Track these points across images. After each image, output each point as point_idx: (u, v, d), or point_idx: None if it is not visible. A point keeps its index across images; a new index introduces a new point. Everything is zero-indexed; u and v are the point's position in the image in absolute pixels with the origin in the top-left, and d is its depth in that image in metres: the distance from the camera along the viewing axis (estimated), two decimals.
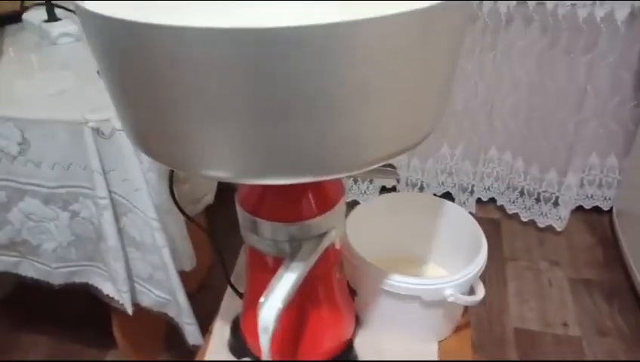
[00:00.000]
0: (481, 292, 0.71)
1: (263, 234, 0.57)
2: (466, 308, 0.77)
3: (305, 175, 0.45)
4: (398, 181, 0.68)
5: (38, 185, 0.79)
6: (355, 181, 1.69)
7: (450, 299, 0.63)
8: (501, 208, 1.70)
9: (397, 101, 0.44)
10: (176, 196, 0.72)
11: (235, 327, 0.71)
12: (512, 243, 1.59)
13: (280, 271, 0.53)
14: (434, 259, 0.81)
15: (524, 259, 1.53)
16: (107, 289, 0.89)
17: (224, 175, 0.45)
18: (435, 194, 1.72)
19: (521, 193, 1.64)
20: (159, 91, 0.40)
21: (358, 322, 0.73)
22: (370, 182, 1.69)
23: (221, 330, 0.73)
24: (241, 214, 0.58)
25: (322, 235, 0.57)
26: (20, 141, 0.75)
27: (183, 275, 0.89)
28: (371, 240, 0.76)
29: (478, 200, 1.71)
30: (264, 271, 0.60)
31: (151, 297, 0.90)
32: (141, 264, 0.85)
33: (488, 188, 1.69)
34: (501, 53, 1.43)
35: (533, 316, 1.35)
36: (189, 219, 0.77)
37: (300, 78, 0.38)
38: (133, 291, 0.90)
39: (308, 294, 0.63)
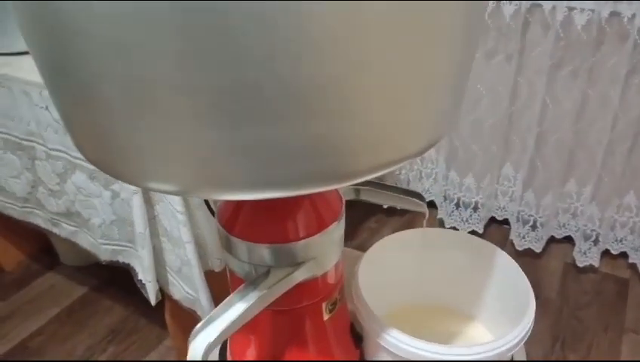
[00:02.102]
0: None
1: (234, 251, 0.49)
2: None
3: (268, 189, 0.36)
4: (424, 216, 0.55)
5: (84, 161, 0.80)
6: (458, 206, 1.53)
7: None
8: (633, 266, 1.40)
9: (382, 97, 0.34)
10: None
11: (224, 344, 0.64)
12: (638, 311, 1.30)
13: (232, 296, 0.45)
14: (480, 317, 0.66)
15: None
16: (140, 274, 0.88)
17: (170, 188, 0.38)
18: (553, 237, 1.48)
19: None
20: (80, 82, 0.34)
21: None
22: (475, 209, 1.51)
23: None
24: (217, 228, 0.51)
25: (297, 265, 0.48)
26: None
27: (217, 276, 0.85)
28: (399, 281, 0.64)
29: (606, 252, 1.43)
30: None
31: (181, 291, 0.87)
32: (172, 255, 0.83)
33: (620, 241, 1.41)
34: None
35: None
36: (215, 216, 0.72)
37: (252, 62, 0.29)
38: (165, 281, 0.88)
39: (290, 331, 0.54)
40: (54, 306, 1.40)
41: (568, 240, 1.47)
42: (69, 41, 0.30)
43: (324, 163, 0.35)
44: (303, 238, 0.47)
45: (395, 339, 0.52)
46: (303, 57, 0.30)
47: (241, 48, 0.29)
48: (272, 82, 0.30)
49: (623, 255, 1.42)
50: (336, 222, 0.49)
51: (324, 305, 0.53)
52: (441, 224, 1.58)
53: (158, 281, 0.87)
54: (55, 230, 0.99)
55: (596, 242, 1.39)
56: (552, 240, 1.49)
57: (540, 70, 1.28)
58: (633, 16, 1.12)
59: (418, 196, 0.54)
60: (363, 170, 0.37)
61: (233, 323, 0.43)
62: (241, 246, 0.48)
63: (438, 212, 1.58)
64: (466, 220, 1.52)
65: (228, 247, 0.50)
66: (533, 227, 1.46)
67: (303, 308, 0.52)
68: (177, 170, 0.36)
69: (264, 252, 0.47)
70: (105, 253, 0.91)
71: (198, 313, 0.87)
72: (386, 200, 0.55)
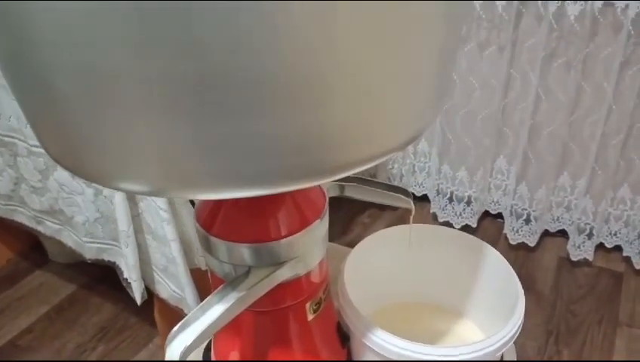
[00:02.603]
0: None
1: (214, 251, 0.48)
2: None
3: (244, 187, 0.35)
4: (411, 212, 0.54)
5: None
6: (451, 200, 1.51)
7: None
8: (627, 260, 1.39)
9: (360, 89, 0.32)
10: None
11: (209, 345, 0.63)
12: (632, 305, 1.30)
13: (210, 298, 0.43)
14: (469, 314, 0.64)
15: None
16: (126, 273, 0.86)
17: (141, 189, 0.36)
18: (547, 230, 1.47)
19: None
20: (35, 75, 0.31)
21: None
22: (468, 203, 1.50)
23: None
24: (196, 226, 0.50)
25: (279, 264, 0.46)
26: None
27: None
28: (387, 278, 0.63)
29: (600, 246, 1.42)
30: None
31: (167, 289, 0.85)
32: (157, 253, 0.81)
33: (614, 234, 1.40)
34: None
35: None
36: None
37: (219, 50, 0.27)
38: (151, 280, 0.86)
39: (274, 331, 0.53)
40: (44, 304, 1.38)
41: (562, 233, 1.46)
42: (18, 29, 0.28)
43: (302, 158, 0.33)
44: (285, 237, 0.46)
45: (380, 339, 0.50)
46: (274, 47, 0.28)
47: (205, 36, 0.27)
48: (241, 73, 0.29)
49: (618, 248, 1.41)
50: (319, 220, 0.48)
51: (308, 305, 0.52)
52: (434, 218, 1.57)
53: (144, 279, 0.86)
54: (40, 228, 0.97)
55: (590, 236, 1.38)
56: (545, 233, 1.48)
57: (533, 61, 1.27)
58: (627, 6, 1.11)
59: (404, 192, 0.53)
60: (343, 166, 0.36)
61: (211, 325, 0.41)
62: (220, 245, 0.47)
63: (431, 206, 1.57)
64: (460, 214, 1.50)
65: (207, 247, 0.48)
66: (527, 221, 1.44)
67: (287, 309, 0.51)
68: (146, 170, 0.34)
69: (244, 251, 0.46)
70: (90, 251, 0.89)
71: (185, 311, 0.86)
72: (371, 197, 0.54)
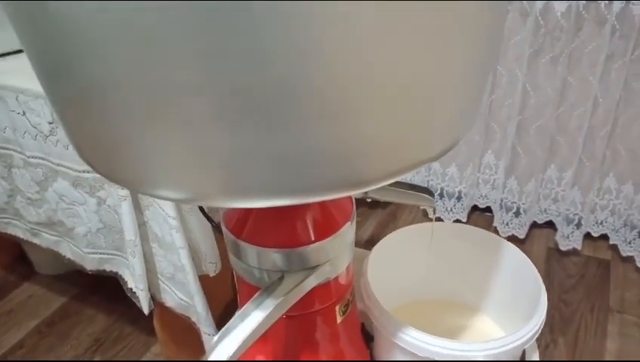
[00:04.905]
0: None
1: (244, 257, 0.47)
2: None
3: (284, 197, 0.34)
4: (434, 211, 0.54)
5: (67, 168, 0.76)
6: (441, 196, 1.53)
7: None
8: (614, 248, 1.43)
9: (405, 99, 0.32)
10: None
11: None
12: (621, 291, 1.33)
13: (248, 305, 0.43)
14: (487, 310, 0.65)
15: (635, 313, 1.27)
16: (131, 283, 0.84)
17: (183, 196, 0.35)
18: (535, 222, 1.50)
19: None
20: (86, 90, 0.31)
21: None
22: (458, 199, 1.52)
23: None
24: (224, 232, 0.49)
25: (311, 269, 0.46)
26: (50, 120, 0.73)
27: (216, 280, 0.83)
28: (406, 276, 0.63)
29: (587, 236, 1.46)
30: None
31: (174, 298, 0.84)
32: (164, 262, 0.80)
33: (601, 223, 1.44)
34: (632, 64, 1.19)
35: None
36: (209, 220, 0.70)
37: (277, 62, 0.27)
38: (156, 288, 0.85)
39: (303, 336, 0.52)
40: (34, 318, 1.34)
41: (549, 224, 1.50)
42: (71, 43, 0.27)
43: (346, 169, 0.33)
44: (316, 241, 0.46)
45: (410, 337, 0.51)
46: (328, 58, 0.28)
47: (265, 48, 0.27)
48: (297, 84, 0.28)
49: (604, 237, 1.45)
50: (349, 223, 0.48)
51: (337, 308, 0.52)
52: (424, 215, 1.58)
53: (149, 289, 0.84)
54: (35, 240, 0.94)
55: (579, 226, 1.41)
56: (533, 225, 1.51)
57: (520, 58, 1.29)
58: (610, 2, 1.14)
59: (427, 191, 0.53)
60: (383, 176, 0.36)
61: (253, 333, 0.41)
62: (250, 251, 0.46)
63: None
64: (450, 210, 1.52)
65: (236, 252, 0.48)
66: (517, 214, 1.47)
67: (316, 313, 0.51)
68: (193, 178, 0.34)
69: (276, 257, 0.46)
70: (91, 262, 0.87)
71: (193, 319, 0.85)
72: (394, 197, 0.54)
